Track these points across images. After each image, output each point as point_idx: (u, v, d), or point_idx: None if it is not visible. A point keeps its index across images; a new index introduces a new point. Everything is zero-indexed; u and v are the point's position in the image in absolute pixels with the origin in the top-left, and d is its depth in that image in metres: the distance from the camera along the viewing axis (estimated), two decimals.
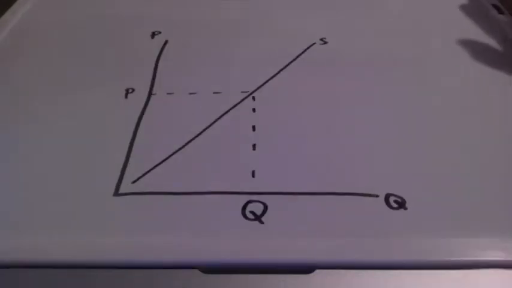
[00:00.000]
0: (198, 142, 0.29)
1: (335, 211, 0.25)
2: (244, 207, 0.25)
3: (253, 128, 0.30)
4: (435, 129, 0.30)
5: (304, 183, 0.26)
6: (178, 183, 0.27)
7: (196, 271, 0.22)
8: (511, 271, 0.22)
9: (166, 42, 0.39)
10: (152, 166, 0.28)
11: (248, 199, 0.25)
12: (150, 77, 0.35)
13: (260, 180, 0.27)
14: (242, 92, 0.33)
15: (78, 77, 0.35)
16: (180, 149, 0.29)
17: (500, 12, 0.41)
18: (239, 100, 0.32)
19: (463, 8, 0.42)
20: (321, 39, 0.39)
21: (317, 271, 0.22)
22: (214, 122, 0.31)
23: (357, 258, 0.23)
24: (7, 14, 0.43)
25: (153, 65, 0.36)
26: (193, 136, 0.30)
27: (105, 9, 0.44)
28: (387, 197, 0.25)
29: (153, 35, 0.40)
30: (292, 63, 0.36)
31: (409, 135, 0.29)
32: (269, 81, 0.34)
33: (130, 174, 0.27)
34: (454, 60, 0.36)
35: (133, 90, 0.34)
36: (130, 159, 0.28)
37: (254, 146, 0.29)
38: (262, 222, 0.24)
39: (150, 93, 0.34)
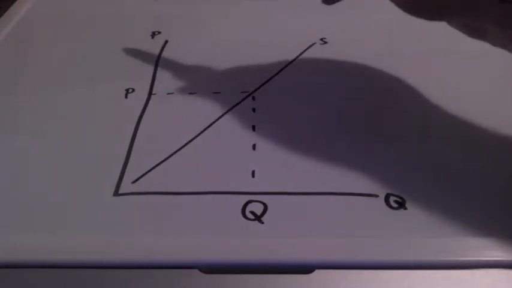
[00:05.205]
0: (198, 142, 0.29)
1: (335, 211, 0.25)
2: (244, 207, 0.25)
3: (253, 128, 0.30)
4: (436, 128, 0.30)
5: (304, 183, 0.26)
6: (178, 183, 0.27)
7: (196, 271, 0.22)
8: (511, 271, 0.22)
9: (166, 42, 0.39)
10: (152, 166, 0.28)
11: (248, 199, 0.25)
12: (150, 77, 0.35)
13: (260, 180, 0.27)
14: (242, 92, 0.33)
15: (77, 76, 0.35)
16: (180, 149, 0.29)
17: None
18: (239, 100, 0.32)
19: None
20: (321, 39, 0.39)
21: (317, 271, 0.22)
22: (214, 122, 0.31)
23: (357, 258, 0.23)
24: (6, 14, 0.43)
25: (153, 65, 0.36)
26: (193, 136, 0.30)
27: (105, 9, 0.44)
28: (387, 197, 0.25)
29: (153, 35, 0.40)
30: (292, 63, 0.36)
31: (409, 135, 0.29)
32: (269, 81, 0.34)
33: (131, 174, 0.27)
34: (457, 60, 0.36)
35: (133, 90, 0.34)
36: (130, 159, 0.28)
37: (254, 146, 0.29)
38: (262, 222, 0.24)
39: (150, 93, 0.34)
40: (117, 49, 0.38)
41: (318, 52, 0.37)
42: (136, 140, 0.30)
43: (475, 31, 0.25)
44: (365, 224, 0.24)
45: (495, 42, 0.25)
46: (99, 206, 0.25)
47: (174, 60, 0.37)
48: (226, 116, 0.31)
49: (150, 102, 0.33)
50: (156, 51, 0.38)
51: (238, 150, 0.29)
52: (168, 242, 0.23)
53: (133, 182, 0.27)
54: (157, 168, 0.28)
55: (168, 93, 0.33)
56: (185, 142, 0.29)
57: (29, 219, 0.25)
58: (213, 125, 0.30)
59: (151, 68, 0.36)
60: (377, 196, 0.25)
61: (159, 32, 0.40)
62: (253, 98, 0.33)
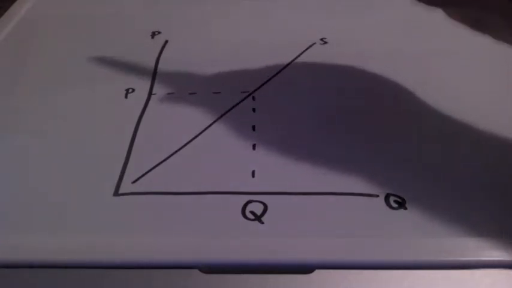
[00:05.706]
0: (198, 142, 0.29)
1: (335, 211, 0.25)
2: (244, 207, 0.25)
3: (253, 128, 0.30)
4: (436, 128, 0.30)
5: (304, 183, 0.26)
6: (178, 183, 0.27)
7: (196, 271, 0.22)
8: (511, 271, 0.22)
9: (166, 42, 0.39)
10: (152, 166, 0.28)
11: (248, 199, 0.26)
12: (150, 77, 0.35)
13: (260, 180, 0.27)
14: (242, 92, 0.33)
15: (77, 76, 0.35)
16: (180, 149, 0.29)
17: None
18: (239, 100, 0.32)
19: None
20: (321, 39, 0.39)
21: (317, 271, 0.22)
22: (214, 122, 0.31)
23: (357, 258, 0.23)
24: (6, 14, 0.43)
25: (153, 65, 0.36)
26: (193, 136, 0.30)
27: (105, 9, 0.44)
28: (387, 197, 0.25)
29: (153, 35, 0.40)
30: (292, 63, 0.36)
31: (410, 135, 0.29)
32: (269, 81, 0.34)
33: (131, 174, 0.27)
34: (457, 60, 0.36)
35: (133, 90, 0.34)
36: (130, 159, 0.28)
37: (254, 146, 0.29)
38: (262, 222, 0.24)
39: (150, 93, 0.34)
40: (117, 49, 0.38)
41: (318, 52, 0.37)
42: (136, 140, 0.30)
43: (477, 23, 0.24)
44: (365, 224, 0.24)
45: (497, 35, 0.24)
46: (99, 206, 0.25)
47: (174, 60, 0.37)
48: (226, 116, 0.31)
49: (150, 102, 0.33)
50: (156, 51, 0.38)
51: (238, 150, 0.29)
52: (168, 242, 0.23)
53: (133, 182, 0.27)
54: (157, 168, 0.28)
55: (168, 93, 0.33)
56: (185, 142, 0.29)
57: (29, 219, 0.25)
58: (213, 125, 0.30)
59: (151, 68, 0.36)
60: (377, 196, 0.25)
61: (159, 32, 0.40)
62: (253, 98, 0.33)
